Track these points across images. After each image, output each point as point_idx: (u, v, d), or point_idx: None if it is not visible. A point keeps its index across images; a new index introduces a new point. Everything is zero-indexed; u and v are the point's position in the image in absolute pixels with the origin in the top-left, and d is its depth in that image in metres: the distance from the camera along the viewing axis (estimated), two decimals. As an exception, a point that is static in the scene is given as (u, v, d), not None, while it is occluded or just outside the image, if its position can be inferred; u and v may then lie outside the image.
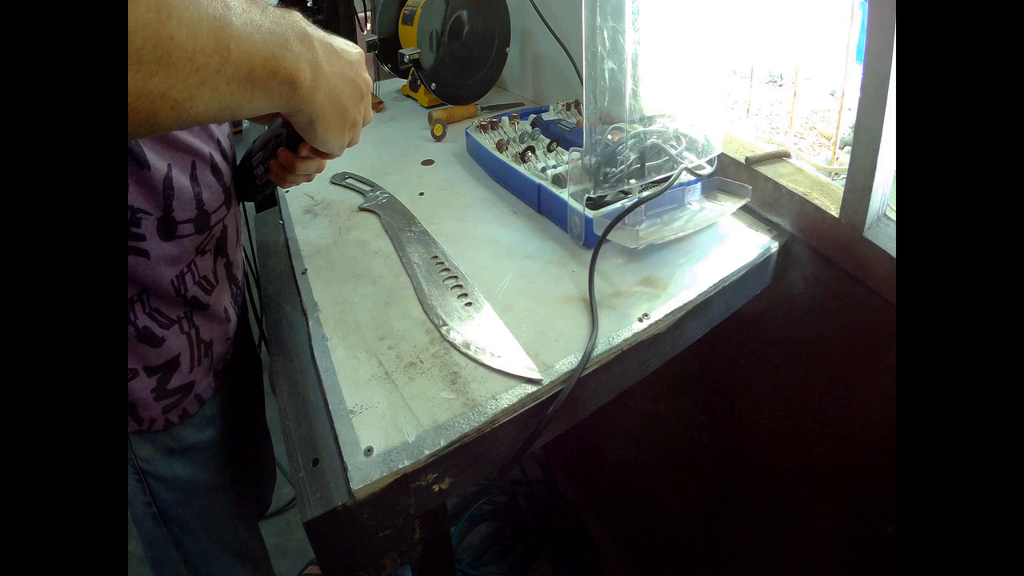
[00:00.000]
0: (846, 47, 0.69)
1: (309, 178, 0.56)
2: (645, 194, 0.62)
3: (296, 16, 0.39)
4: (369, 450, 0.41)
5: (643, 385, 0.55)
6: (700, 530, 1.01)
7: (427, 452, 0.41)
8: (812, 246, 0.65)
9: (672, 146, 0.64)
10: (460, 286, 0.57)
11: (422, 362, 0.49)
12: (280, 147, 0.53)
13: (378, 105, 1.07)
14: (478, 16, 1.00)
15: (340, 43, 0.46)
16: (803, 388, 0.73)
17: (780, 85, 1.06)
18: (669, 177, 0.63)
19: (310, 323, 0.54)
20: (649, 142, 0.62)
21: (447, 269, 0.59)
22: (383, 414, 0.44)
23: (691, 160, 0.65)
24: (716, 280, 0.59)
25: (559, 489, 1.42)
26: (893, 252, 0.56)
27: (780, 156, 0.72)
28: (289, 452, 0.43)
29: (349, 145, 0.51)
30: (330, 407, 0.45)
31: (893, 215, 0.61)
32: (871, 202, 0.58)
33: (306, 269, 0.61)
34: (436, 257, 0.61)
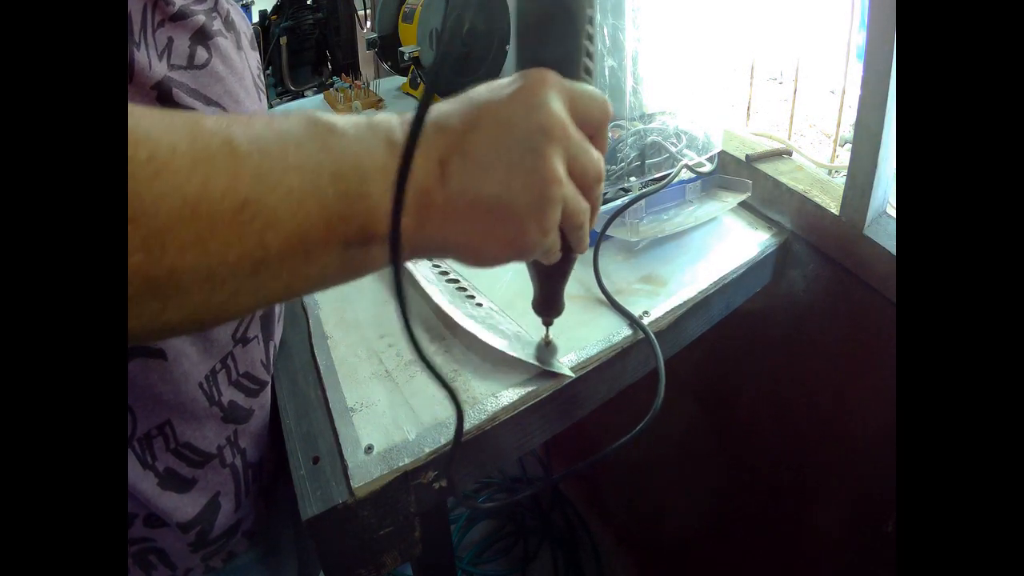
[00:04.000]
0: (846, 45, 0.69)
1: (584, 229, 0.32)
2: (645, 190, 0.62)
3: (380, 121, 0.26)
4: (369, 448, 0.41)
5: (643, 383, 0.55)
6: (700, 527, 1.01)
7: (427, 450, 0.41)
8: (812, 244, 0.65)
9: (672, 143, 0.64)
10: (464, 288, 0.57)
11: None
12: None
13: (378, 103, 1.07)
14: (478, 14, 1.00)
15: (476, 108, 0.27)
16: (803, 386, 0.73)
17: (780, 83, 1.06)
18: (669, 174, 0.63)
19: (310, 321, 0.54)
20: (649, 140, 0.62)
21: (445, 272, 0.59)
22: (383, 412, 0.44)
23: (691, 157, 0.65)
24: (716, 278, 0.59)
25: (559, 487, 1.42)
26: (893, 250, 0.56)
27: (780, 154, 0.72)
28: (289, 450, 0.43)
29: (575, 233, 0.31)
30: (330, 405, 0.45)
31: (893, 213, 0.61)
32: (871, 200, 0.58)
33: (306, 267, 0.61)
34: (436, 264, 0.61)
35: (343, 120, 0.25)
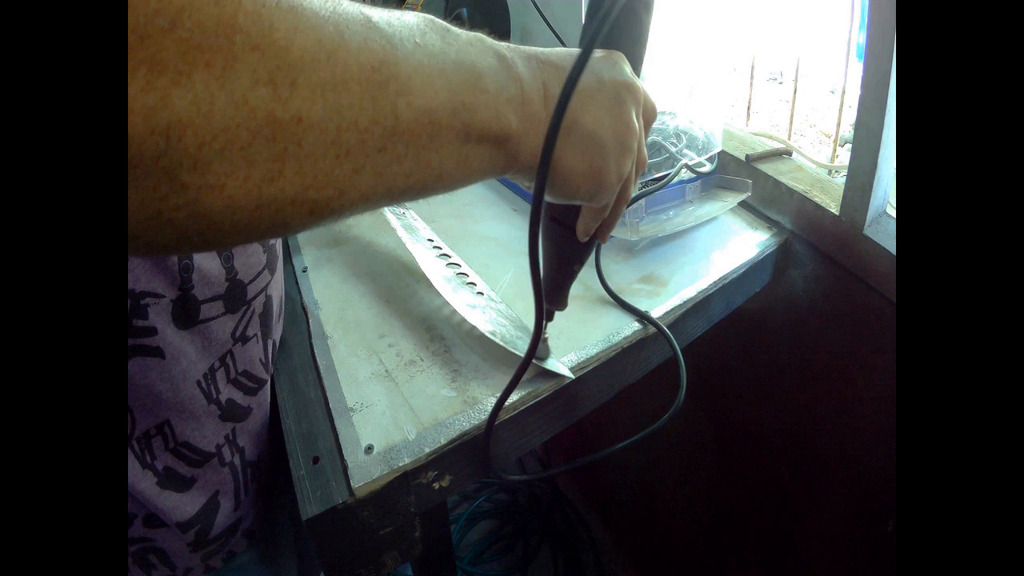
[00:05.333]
0: (846, 45, 0.69)
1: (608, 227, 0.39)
2: (645, 190, 0.62)
3: (480, 35, 0.28)
4: (369, 448, 0.41)
5: (643, 383, 0.55)
6: (700, 527, 1.01)
7: (427, 450, 0.41)
8: (812, 244, 0.65)
9: (672, 144, 0.64)
10: (466, 274, 0.57)
11: (422, 360, 0.49)
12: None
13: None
14: (478, 13, 1.00)
15: (569, 56, 0.31)
16: (803, 386, 0.73)
17: (780, 83, 1.06)
18: (669, 174, 0.63)
19: (310, 321, 0.54)
20: (649, 140, 0.62)
21: (455, 263, 0.59)
22: (383, 412, 0.44)
23: (691, 157, 0.65)
24: (716, 278, 0.59)
25: (559, 487, 1.42)
26: (893, 249, 0.56)
27: (780, 154, 0.72)
28: (289, 450, 0.43)
29: (620, 204, 0.35)
30: (330, 405, 0.45)
31: (893, 213, 0.61)
32: (871, 199, 0.58)
33: (307, 267, 0.61)
34: (438, 246, 0.61)
35: (453, 26, 0.26)
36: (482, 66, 0.26)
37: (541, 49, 0.30)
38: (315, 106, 0.19)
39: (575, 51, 0.31)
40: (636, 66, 0.36)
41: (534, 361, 0.47)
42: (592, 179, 0.31)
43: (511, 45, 0.29)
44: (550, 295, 0.42)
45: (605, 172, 0.31)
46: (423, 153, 0.23)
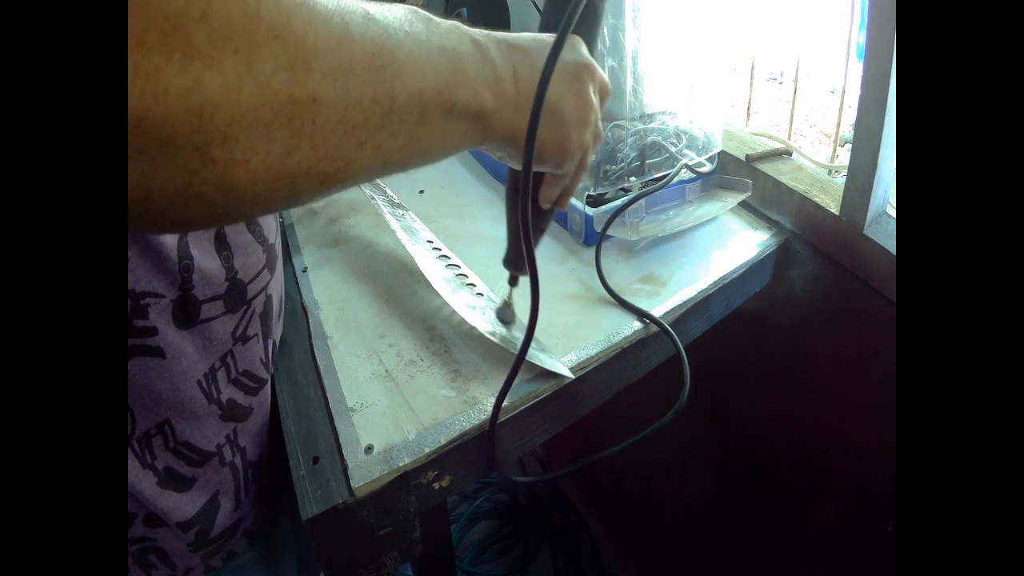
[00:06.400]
0: (846, 45, 0.69)
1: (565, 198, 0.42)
2: (645, 190, 0.62)
3: (456, 23, 0.30)
4: (369, 448, 0.41)
5: (643, 382, 0.55)
6: (700, 527, 1.01)
7: (427, 450, 0.41)
8: (812, 244, 0.65)
9: (672, 143, 0.64)
10: (465, 275, 0.57)
11: (422, 360, 0.49)
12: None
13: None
14: (478, 13, 1.00)
15: (534, 40, 0.34)
16: (803, 386, 0.73)
17: (780, 83, 1.06)
18: (669, 174, 0.63)
19: (310, 321, 0.54)
20: (649, 139, 0.62)
21: (454, 264, 0.59)
22: (383, 412, 0.44)
23: (691, 157, 0.65)
24: (716, 278, 0.59)
25: (559, 487, 1.42)
26: (893, 250, 0.56)
27: (780, 154, 0.72)
28: (289, 450, 0.43)
29: (579, 172, 0.39)
30: (330, 405, 0.45)
31: (893, 213, 0.61)
32: (871, 200, 0.58)
33: (306, 267, 0.61)
34: (438, 247, 0.61)
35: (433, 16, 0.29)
36: (461, 51, 0.29)
37: (509, 34, 0.34)
38: (328, 88, 0.21)
39: (540, 36, 0.35)
40: (591, 47, 0.39)
41: (500, 322, 0.50)
42: (557, 148, 0.35)
43: (483, 31, 0.32)
44: (515, 262, 0.46)
45: (568, 142, 0.35)
46: (414, 128, 0.26)
